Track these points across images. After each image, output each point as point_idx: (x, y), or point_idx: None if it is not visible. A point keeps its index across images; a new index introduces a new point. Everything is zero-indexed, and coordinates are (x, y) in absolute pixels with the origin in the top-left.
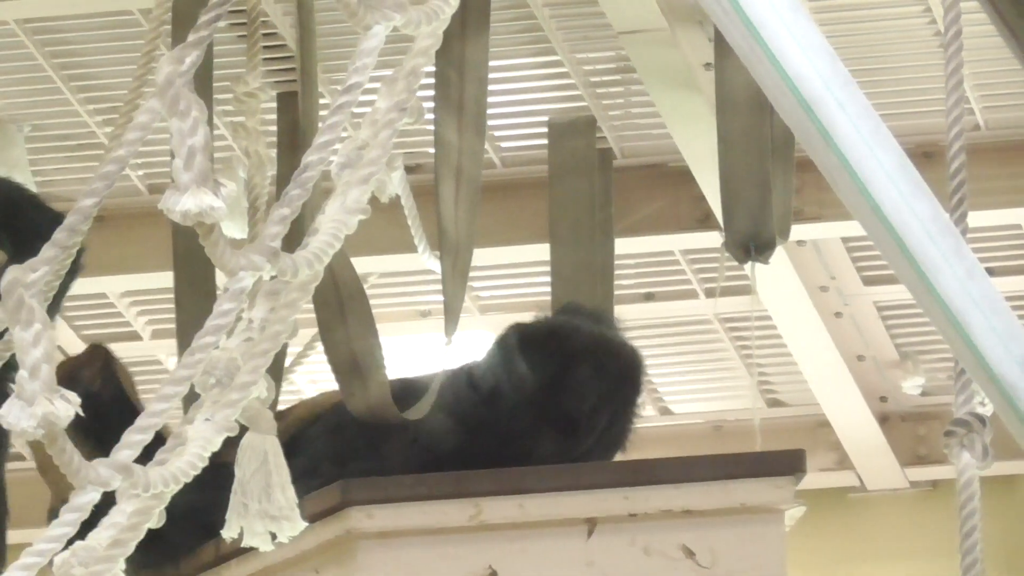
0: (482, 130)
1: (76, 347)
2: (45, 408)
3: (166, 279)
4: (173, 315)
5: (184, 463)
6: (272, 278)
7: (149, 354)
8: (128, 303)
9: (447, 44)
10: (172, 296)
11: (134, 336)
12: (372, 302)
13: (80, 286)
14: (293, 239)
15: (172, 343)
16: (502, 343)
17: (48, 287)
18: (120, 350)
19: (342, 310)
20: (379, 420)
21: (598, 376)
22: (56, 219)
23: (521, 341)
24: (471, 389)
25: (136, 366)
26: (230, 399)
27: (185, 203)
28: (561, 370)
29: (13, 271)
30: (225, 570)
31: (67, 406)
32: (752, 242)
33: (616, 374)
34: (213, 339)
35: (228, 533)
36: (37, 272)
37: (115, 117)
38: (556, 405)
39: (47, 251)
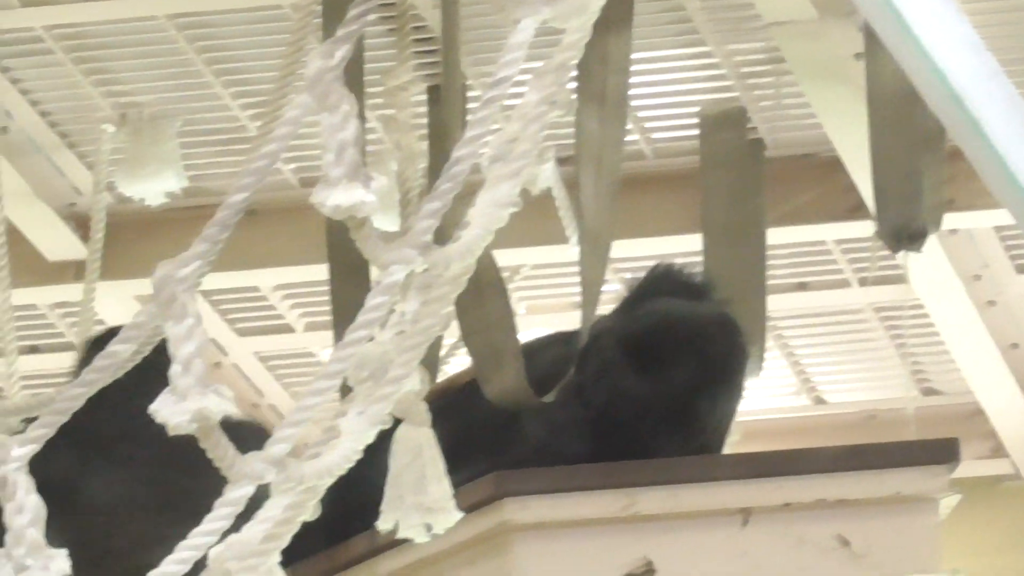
0: (623, 120)
1: (230, 341)
2: (199, 403)
3: (319, 272)
4: (326, 308)
5: (338, 456)
6: (424, 271)
7: (303, 347)
8: (281, 296)
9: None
10: (326, 289)
11: (287, 329)
12: (525, 293)
13: (233, 279)
14: (444, 232)
15: (326, 335)
16: (601, 353)
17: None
18: (273, 343)
19: (480, 297)
20: (515, 406)
21: (706, 366)
22: None
23: (622, 351)
24: (584, 408)
25: (289, 359)
26: (383, 393)
27: (336, 197)
28: (670, 371)
29: (165, 266)
30: (379, 562)
31: (220, 400)
32: (904, 231)
33: (721, 355)
34: (365, 332)
35: (383, 525)
36: (189, 267)
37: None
38: (673, 406)
39: (198, 246)
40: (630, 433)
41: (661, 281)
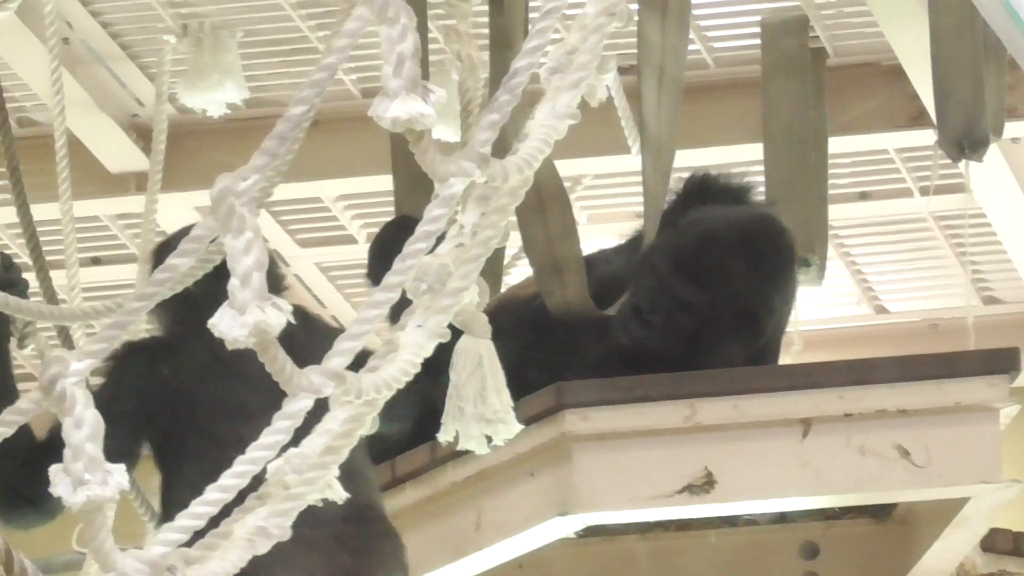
0: (686, 29)
1: (292, 252)
2: (257, 317)
3: (381, 182)
4: (389, 218)
5: (396, 369)
6: (483, 184)
7: (364, 258)
8: (343, 207)
9: None
10: (388, 199)
11: (349, 240)
12: (586, 203)
13: (295, 190)
14: (504, 144)
15: None
16: (653, 270)
17: (263, 194)
18: (335, 254)
19: (542, 210)
20: (577, 318)
21: (759, 266)
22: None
23: (674, 266)
24: (644, 327)
25: (351, 269)
26: (442, 305)
27: (395, 110)
28: (723, 278)
29: (224, 179)
30: (441, 473)
31: (279, 314)
32: (966, 140)
33: (769, 252)
34: (424, 245)
35: (444, 436)
36: (248, 180)
37: (328, 22)
38: (731, 312)
39: (257, 159)
40: (690, 345)
41: (700, 190)
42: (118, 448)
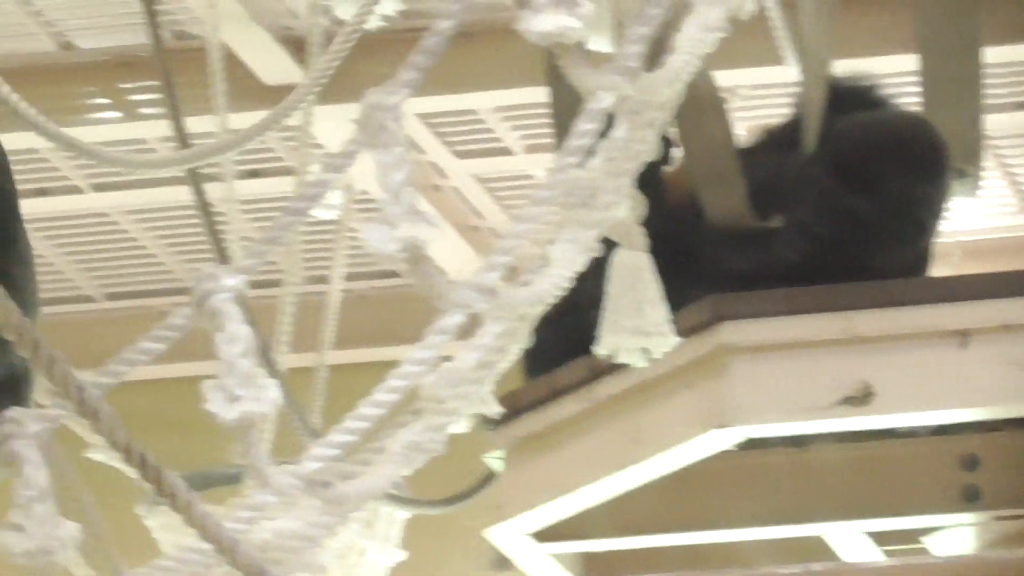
0: None
1: (449, 164)
2: (408, 232)
3: (539, 94)
4: (546, 130)
5: (548, 284)
6: (633, 98)
7: (521, 170)
8: (500, 118)
9: None
10: (546, 110)
11: (506, 151)
12: (742, 114)
13: (450, 102)
14: (654, 57)
15: (546, 158)
16: (815, 182)
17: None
18: (492, 165)
19: (700, 118)
20: (736, 227)
21: (919, 169)
22: None
23: (836, 175)
24: (812, 241)
25: (508, 180)
26: (593, 219)
27: (541, 24)
28: (886, 183)
29: (372, 94)
30: (598, 386)
31: (430, 229)
32: None
33: (930, 155)
34: (574, 159)
35: (601, 350)
36: (397, 95)
37: None
38: (895, 217)
39: (406, 73)
40: (855, 255)
41: (833, 97)
42: None
